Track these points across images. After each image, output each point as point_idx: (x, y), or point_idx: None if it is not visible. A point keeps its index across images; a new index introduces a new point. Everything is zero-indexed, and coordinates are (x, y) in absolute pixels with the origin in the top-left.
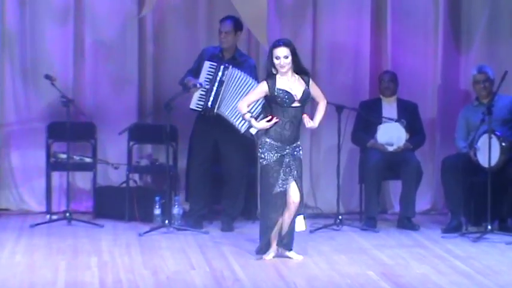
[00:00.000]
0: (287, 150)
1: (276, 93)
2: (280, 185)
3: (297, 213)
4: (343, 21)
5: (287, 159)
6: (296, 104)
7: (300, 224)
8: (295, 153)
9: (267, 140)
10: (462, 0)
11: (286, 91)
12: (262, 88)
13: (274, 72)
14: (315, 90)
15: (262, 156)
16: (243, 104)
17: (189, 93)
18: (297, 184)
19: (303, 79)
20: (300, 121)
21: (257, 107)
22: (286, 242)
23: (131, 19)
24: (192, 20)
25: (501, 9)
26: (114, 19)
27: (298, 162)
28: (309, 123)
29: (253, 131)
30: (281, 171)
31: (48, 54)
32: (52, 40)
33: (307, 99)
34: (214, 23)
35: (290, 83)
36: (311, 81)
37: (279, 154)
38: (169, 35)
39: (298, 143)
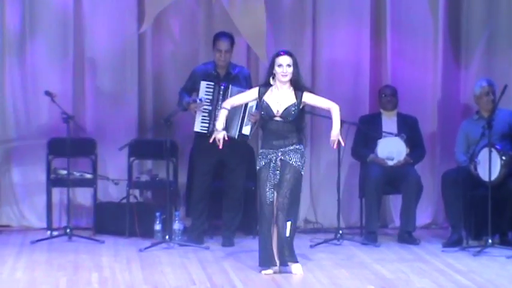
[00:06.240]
0: (273, 154)
1: (261, 104)
2: (269, 197)
3: (285, 220)
4: (343, 35)
5: (273, 164)
6: (277, 119)
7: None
8: (286, 157)
9: (261, 150)
10: (462, 14)
11: (268, 105)
12: (253, 92)
13: (272, 83)
14: (316, 100)
15: (258, 164)
16: (228, 102)
17: (189, 110)
18: (281, 189)
19: (296, 94)
20: (288, 132)
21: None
22: (288, 254)
23: (131, 35)
24: (191, 35)
25: (500, 24)
26: (113, 35)
27: (289, 168)
28: (334, 144)
29: (246, 131)
30: (267, 182)
31: (48, 71)
32: (52, 56)
33: (289, 115)
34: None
35: (281, 96)
36: (306, 94)
37: (267, 159)
38: (168, 50)
39: (292, 147)
